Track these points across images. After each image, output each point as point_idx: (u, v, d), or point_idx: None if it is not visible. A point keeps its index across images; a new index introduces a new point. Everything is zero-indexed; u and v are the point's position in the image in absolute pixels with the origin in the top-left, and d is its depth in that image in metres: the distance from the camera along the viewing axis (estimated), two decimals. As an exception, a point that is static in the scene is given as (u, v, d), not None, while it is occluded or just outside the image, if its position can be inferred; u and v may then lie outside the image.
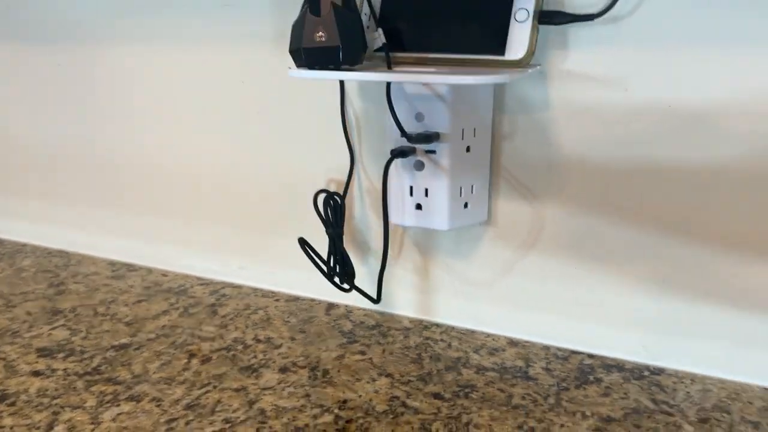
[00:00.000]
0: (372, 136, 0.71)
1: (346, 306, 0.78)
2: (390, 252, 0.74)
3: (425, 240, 0.71)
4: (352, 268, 0.68)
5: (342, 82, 0.70)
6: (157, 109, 0.83)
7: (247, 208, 0.81)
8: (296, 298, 0.80)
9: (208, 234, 0.85)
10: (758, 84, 0.54)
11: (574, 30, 0.60)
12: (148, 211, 0.89)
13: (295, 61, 0.59)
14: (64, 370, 0.64)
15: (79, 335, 0.71)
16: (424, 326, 0.72)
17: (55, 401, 0.59)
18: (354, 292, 0.75)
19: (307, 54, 0.57)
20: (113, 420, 0.56)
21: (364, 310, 0.77)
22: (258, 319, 0.74)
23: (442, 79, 0.52)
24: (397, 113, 0.62)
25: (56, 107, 0.91)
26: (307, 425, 0.55)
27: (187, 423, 0.56)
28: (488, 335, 0.70)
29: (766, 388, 0.60)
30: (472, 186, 0.65)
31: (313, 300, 0.79)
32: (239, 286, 0.83)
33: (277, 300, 0.79)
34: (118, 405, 0.58)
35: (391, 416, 0.56)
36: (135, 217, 0.90)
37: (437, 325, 0.73)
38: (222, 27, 0.76)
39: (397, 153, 0.62)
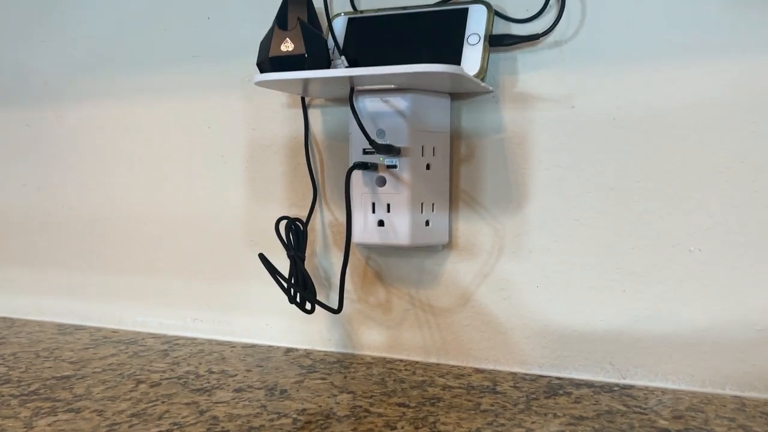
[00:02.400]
0: (335, 171, 0.73)
1: (306, 349, 0.75)
2: (351, 285, 0.73)
3: (387, 270, 0.71)
4: (314, 287, 0.66)
5: (306, 118, 0.73)
6: (115, 164, 0.85)
7: (201, 256, 0.80)
8: (253, 345, 0.77)
9: (160, 288, 0.83)
10: (690, 88, 0.59)
11: (523, 56, 0.65)
12: (96, 269, 0.86)
13: (261, 72, 0.62)
14: (-2, 392, 0.59)
15: (17, 370, 0.66)
16: (387, 361, 0.70)
17: (-16, 413, 0.54)
18: (316, 333, 0.73)
19: (274, 62, 0.60)
20: (49, 425, 0.51)
21: (324, 351, 0.74)
22: (212, 359, 0.71)
23: (401, 69, 0.55)
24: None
25: (15, 167, 0.91)
26: (263, 425, 0.51)
27: (130, 426, 0.51)
28: (454, 366, 0.68)
29: (737, 396, 0.59)
30: (432, 204, 0.66)
31: (270, 346, 0.76)
32: (193, 338, 0.80)
33: (233, 347, 0.76)
34: (56, 415, 0.54)
35: (354, 419, 0.53)
36: (82, 277, 0.87)
37: (401, 360, 0.70)
38: (189, 76, 0.80)
39: (360, 165, 0.64)
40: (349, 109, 0.71)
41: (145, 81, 0.82)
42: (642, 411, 0.55)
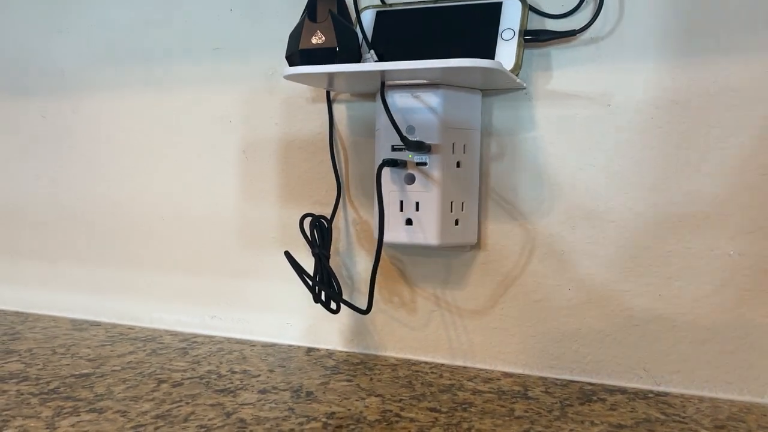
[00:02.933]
0: (359, 168, 0.71)
1: (327, 349, 0.73)
2: (376, 284, 0.71)
3: (413, 270, 0.69)
4: (340, 287, 0.65)
5: (331, 113, 0.72)
6: (134, 157, 0.83)
7: (219, 252, 0.79)
8: (273, 344, 0.75)
9: (177, 284, 0.81)
10: (732, 88, 0.58)
11: (557, 52, 0.63)
12: (111, 263, 0.85)
13: (290, 65, 0.60)
14: (17, 390, 0.58)
15: (34, 367, 0.65)
16: (412, 363, 0.68)
17: (4, 413, 0.53)
18: (338, 332, 0.72)
19: (304, 54, 0.58)
20: (72, 426, 0.50)
21: (346, 352, 0.72)
22: (233, 358, 0.69)
23: (438, 64, 0.53)
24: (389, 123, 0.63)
25: (29, 159, 0.90)
26: (293, 429, 0.50)
27: (156, 428, 0.50)
28: (481, 369, 0.67)
29: (777, 405, 0.57)
30: (462, 203, 0.64)
31: (291, 345, 0.75)
32: (211, 336, 0.78)
33: (252, 345, 0.75)
34: (78, 415, 0.52)
35: (385, 423, 0.51)
36: (96, 272, 0.86)
37: (426, 363, 0.69)
38: (210, 69, 0.78)
39: (389, 162, 0.62)
40: (374, 104, 0.69)
41: (165, 73, 0.81)
42: (682, 420, 0.53)
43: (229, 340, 0.77)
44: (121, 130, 0.84)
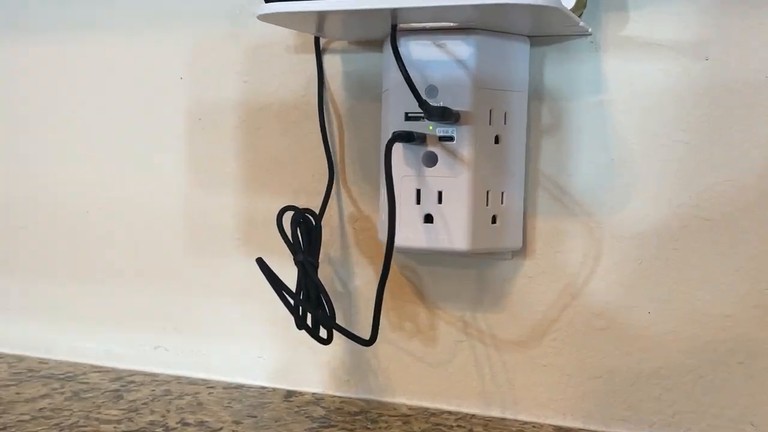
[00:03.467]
0: (358, 144, 0.71)
1: (314, 393, 0.73)
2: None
3: (432, 285, 0.69)
4: (332, 307, 0.64)
5: (321, 67, 0.71)
6: (47, 128, 0.83)
7: (165, 259, 0.78)
8: (239, 386, 0.75)
9: (107, 302, 0.81)
10: None
11: (635, -16, 0.63)
12: (13, 274, 0.85)
13: (266, 1, 0.59)
14: None
15: None
16: (431, 413, 0.68)
17: None
18: (328, 370, 0.71)
19: (287, -13, 0.57)
20: (-37, 499, 0.49)
21: (341, 397, 0.72)
22: (184, 404, 0.69)
23: (466, 0, 0.52)
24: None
25: None
26: (268, 506, 0.49)
27: (80, 503, 0.49)
28: (526, 422, 0.66)
29: None
30: (502, 193, 0.64)
31: (264, 387, 0.74)
32: (154, 374, 0.78)
33: (211, 387, 0.74)
34: (-29, 484, 0.51)
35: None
36: None
37: (450, 413, 0.68)
38: (153, 6, 0.77)
39: (402, 135, 0.61)
40: (380, 56, 0.69)
41: (90, 13, 0.80)
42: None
43: (178, 379, 0.77)
44: (30, 89, 0.83)
